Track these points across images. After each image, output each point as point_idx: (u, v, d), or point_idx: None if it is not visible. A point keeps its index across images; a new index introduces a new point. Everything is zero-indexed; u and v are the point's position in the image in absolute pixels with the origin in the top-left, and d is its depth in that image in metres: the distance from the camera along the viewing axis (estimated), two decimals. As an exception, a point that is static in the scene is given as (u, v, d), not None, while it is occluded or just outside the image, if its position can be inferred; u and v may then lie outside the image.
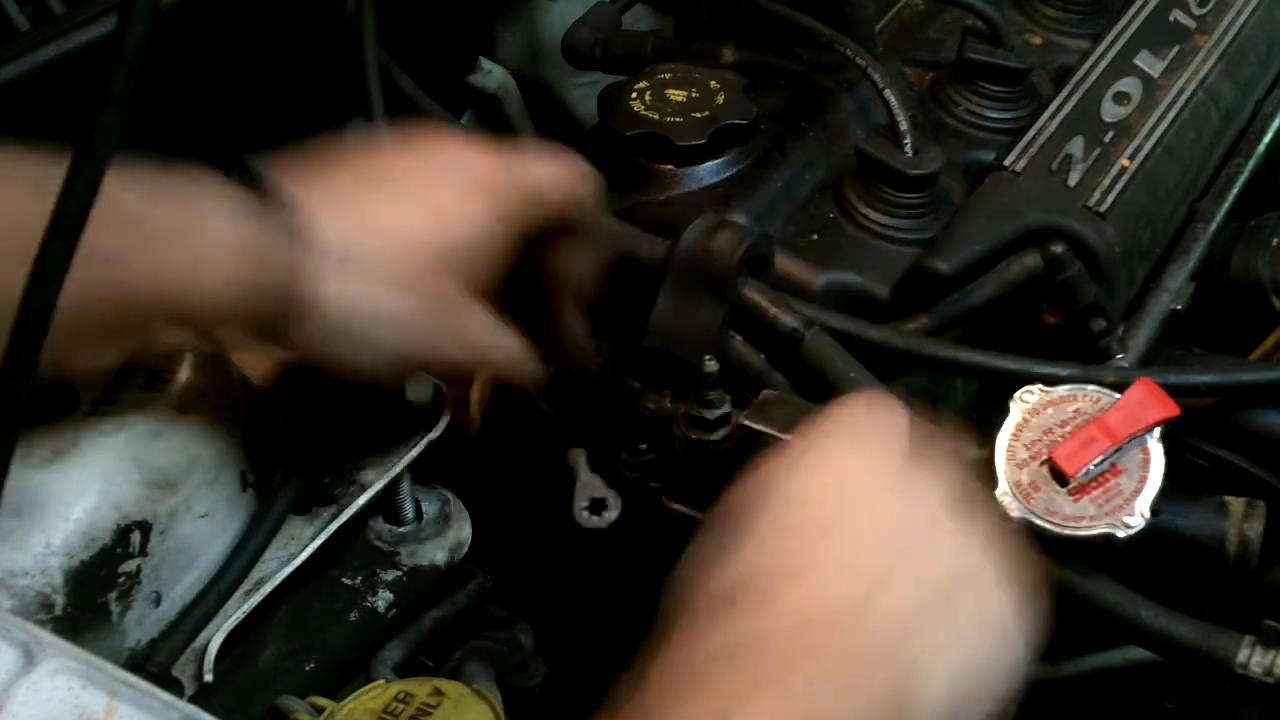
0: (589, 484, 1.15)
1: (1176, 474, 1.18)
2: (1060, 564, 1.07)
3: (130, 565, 0.94)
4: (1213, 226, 1.31)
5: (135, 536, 0.94)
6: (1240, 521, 1.13)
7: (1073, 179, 1.23)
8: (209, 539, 0.99)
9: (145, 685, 0.77)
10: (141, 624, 0.95)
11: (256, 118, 1.31)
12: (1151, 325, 1.23)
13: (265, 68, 1.35)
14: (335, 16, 1.37)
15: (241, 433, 1.03)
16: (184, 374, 1.01)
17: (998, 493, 1.07)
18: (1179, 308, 1.26)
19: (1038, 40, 1.46)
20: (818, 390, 1.13)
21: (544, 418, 1.21)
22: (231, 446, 1.02)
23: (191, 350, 1.02)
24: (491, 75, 1.59)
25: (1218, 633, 1.08)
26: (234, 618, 0.97)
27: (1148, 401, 1.09)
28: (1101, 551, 1.07)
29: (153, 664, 0.93)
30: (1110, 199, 1.22)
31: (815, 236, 1.25)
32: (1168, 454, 1.12)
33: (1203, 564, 1.14)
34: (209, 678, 0.95)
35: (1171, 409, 1.09)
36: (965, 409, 1.26)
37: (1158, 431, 1.09)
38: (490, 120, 1.61)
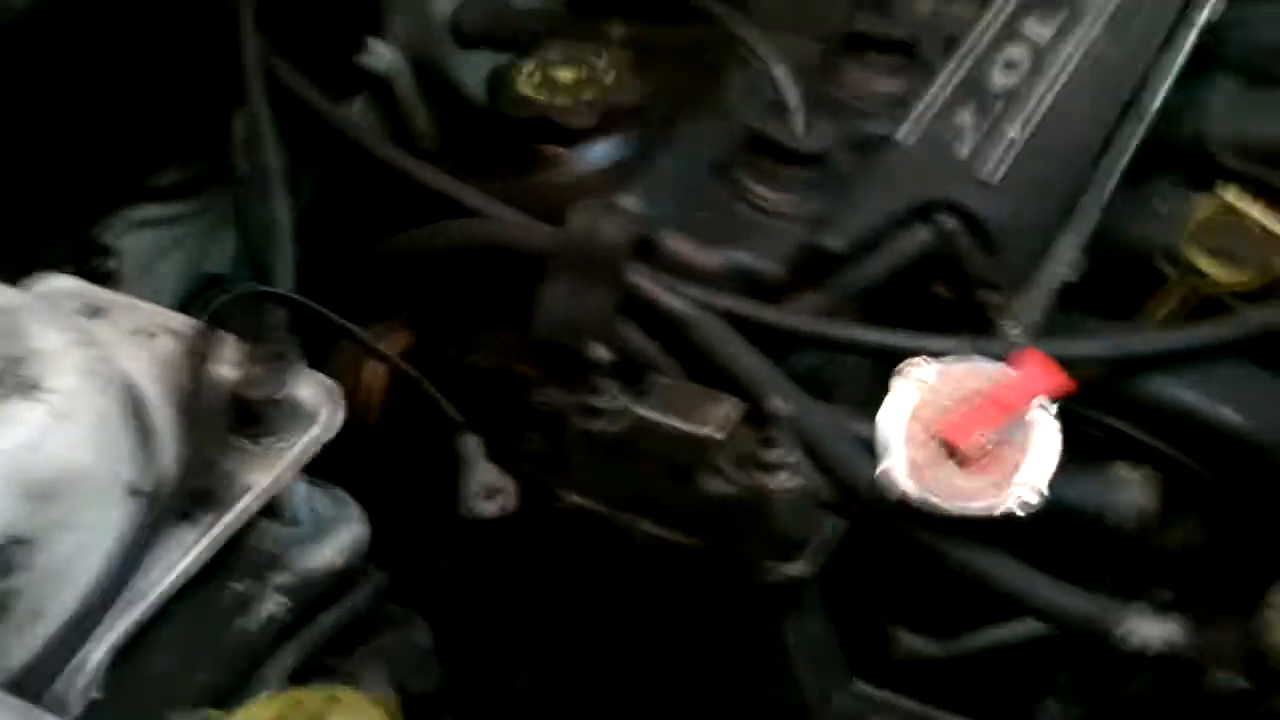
0: (483, 471, 1.13)
1: (1071, 445, 1.19)
2: (953, 539, 1.07)
3: (8, 583, 0.92)
4: (1103, 194, 1.31)
5: (13, 552, 0.92)
6: (1137, 492, 1.14)
7: (963, 150, 1.23)
8: (91, 552, 0.96)
9: (25, 706, 0.75)
10: (22, 642, 0.93)
11: (129, 117, 1.29)
12: (1044, 297, 1.23)
13: (138, 64, 1.32)
14: (212, 4, 1.35)
15: (126, 439, 1.01)
16: (63, 381, 0.98)
17: (890, 470, 1.07)
18: (1071, 278, 1.25)
19: (926, 8, 1.45)
20: (711, 375, 1.12)
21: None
22: (115, 455, 0.99)
23: (71, 355, 0.99)
24: (381, 56, 1.56)
25: (1110, 604, 1.08)
26: (119, 631, 0.94)
27: (1037, 374, 1.09)
28: (997, 526, 1.07)
29: (34, 684, 0.91)
30: (1002, 170, 1.21)
31: (708, 216, 1.23)
32: (1061, 426, 1.12)
33: (1101, 535, 1.15)
34: (96, 694, 0.93)
35: (1060, 380, 1.09)
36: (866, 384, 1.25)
37: (1048, 404, 1.09)
38: (383, 102, 1.58)
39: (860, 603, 1.24)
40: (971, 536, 1.07)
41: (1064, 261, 1.26)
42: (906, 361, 1.11)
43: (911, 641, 1.25)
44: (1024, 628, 1.24)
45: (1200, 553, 1.31)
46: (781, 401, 1.04)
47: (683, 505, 1.07)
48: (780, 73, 1.25)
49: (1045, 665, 1.27)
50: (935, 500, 1.06)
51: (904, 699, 1.23)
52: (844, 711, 1.20)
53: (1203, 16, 1.52)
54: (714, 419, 1.07)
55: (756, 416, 1.06)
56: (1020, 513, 1.04)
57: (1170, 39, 1.48)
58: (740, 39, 1.29)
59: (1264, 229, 1.21)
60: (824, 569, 1.11)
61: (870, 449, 1.09)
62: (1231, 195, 1.21)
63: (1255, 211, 1.21)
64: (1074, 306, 1.29)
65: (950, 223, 1.17)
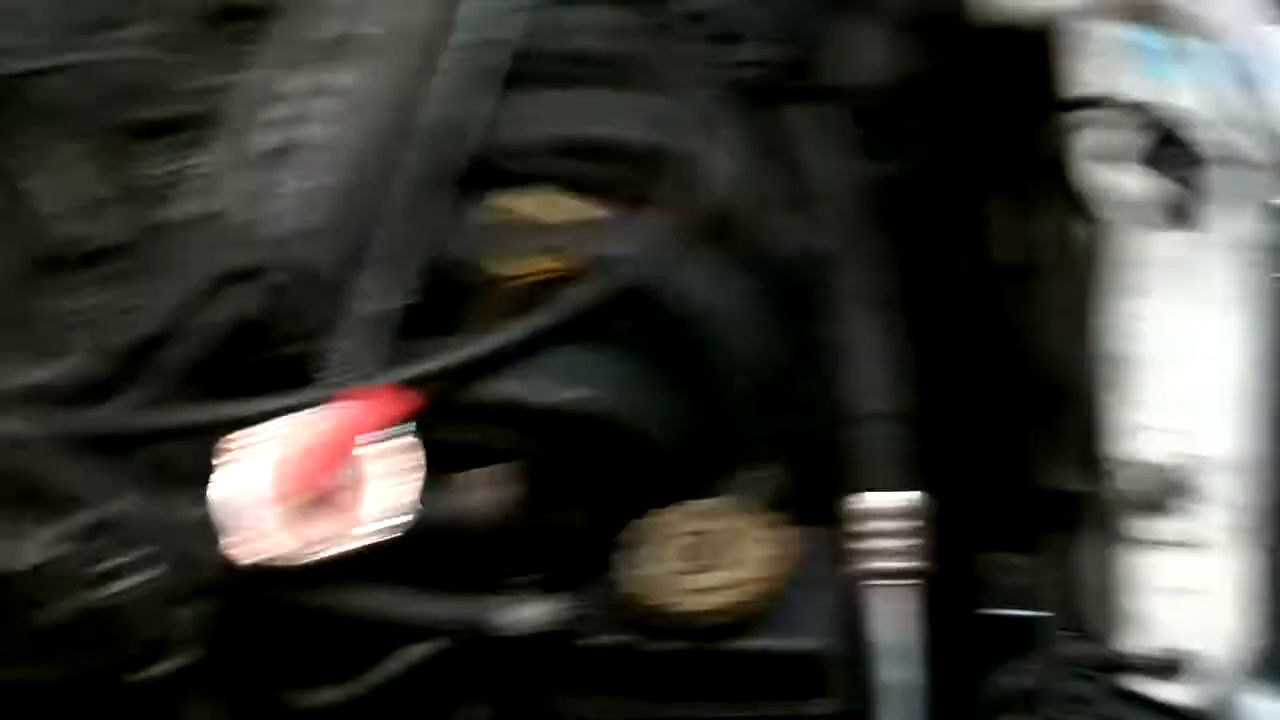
0: None
1: (425, 464, 1.24)
2: (318, 587, 1.09)
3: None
4: (403, 222, 1.36)
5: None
6: (489, 492, 1.19)
7: (255, 211, 1.25)
8: None
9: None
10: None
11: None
12: (366, 331, 1.27)
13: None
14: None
15: None
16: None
17: (241, 540, 1.09)
18: (389, 308, 1.30)
19: (199, 80, 1.46)
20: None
21: None
22: None
23: None
24: None
25: (481, 604, 1.14)
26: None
27: (369, 407, 1.13)
28: (362, 562, 1.11)
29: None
30: (287, 223, 1.24)
31: (12, 335, 1.21)
32: (414, 447, 1.16)
33: (466, 541, 1.19)
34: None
35: (392, 408, 1.13)
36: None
37: (387, 432, 1.13)
38: None
39: (257, 672, 1.25)
40: (339, 578, 1.10)
41: (380, 294, 1.30)
42: (242, 431, 1.13)
43: (315, 696, 1.26)
44: (422, 647, 1.27)
45: (584, 530, 1.40)
46: (111, 505, 1.04)
47: (32, 641, 1.05)
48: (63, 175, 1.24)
49: (461, 672, 1.31)
50: (294, 555, 1.09)
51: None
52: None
53: (469, 35, 1.60)
54: (27, 550, 1.05)
55: (89, 529, 1.05)
56: (374, 542, 1.08)
57: (446, 60, 1.55)
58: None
59: (539, 221, 1.28)
60: (208, 654, 1.11)
61: (220, 526, 1.11)
62: (508, 196, 1.28)
63: (533, 205, 1.28)
64: (406, 332, 1.34)
65: (253, 285, 1.19)
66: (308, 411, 1.14)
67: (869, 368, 1.41)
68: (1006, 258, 1.60)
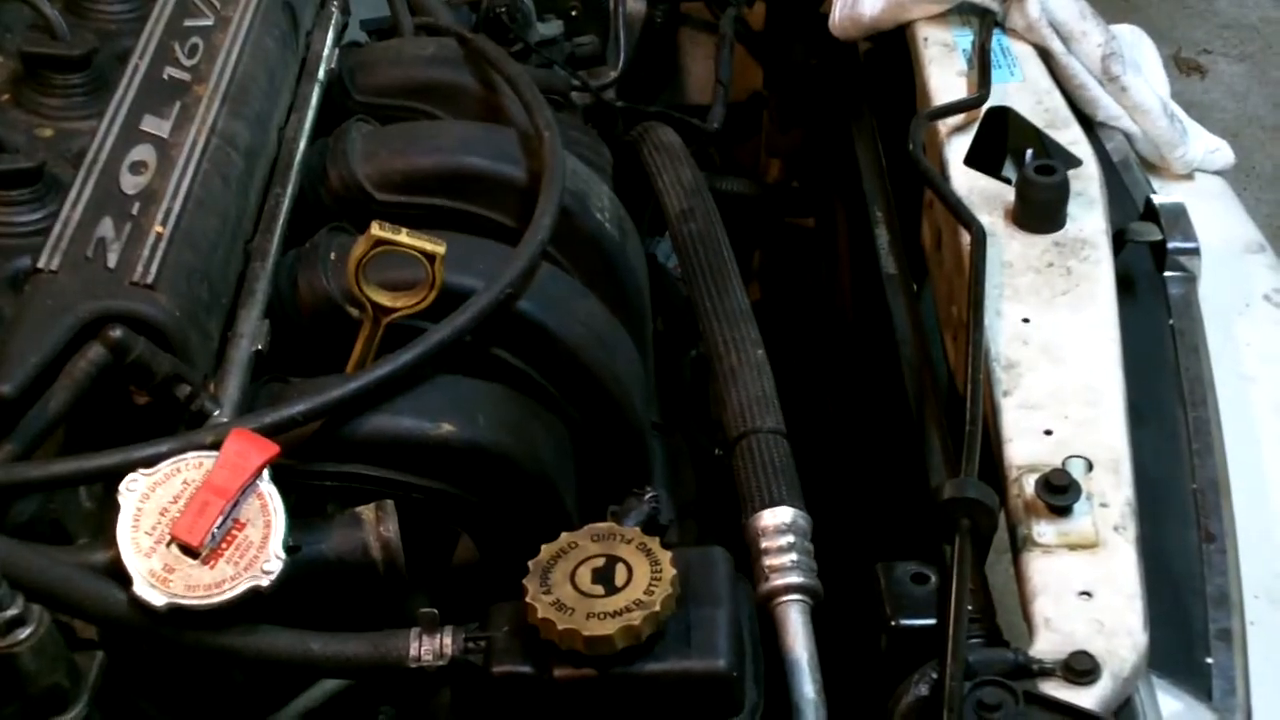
0: None
1: (309, 504, 1.21)
2: (218, 631, 1.06)
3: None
4: (269, 262, 1.34)
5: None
6: (375, 527, 1.17)
7: (112, 260, 1.22)
8: None
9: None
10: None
11: None
12: (239, 373, 1.24)
13: None
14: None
15: None
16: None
17: (135, 589, 1.06)
18: (260, 348, 1.27)
19: (49, 132, 1.41)
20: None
21: None
22: None
23: None
24: None
25: (386, 638, 1.11)
26: None
27: (247, 449, 1.10)
28: (257, 605, 1.08)
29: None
30: (155, 268, 1.21)
31: None
32: (291, 488, 1.14)
33: (358, 578, 1.17)
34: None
35: (270, 449, 1.11)
36: (98, 511, 1.22)
37: (267, 474, 1.10)
38: None
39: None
40: (238, 621, 1.07)
41: (249, 335, 1.27)
42: (126, 479, 1.10)
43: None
44: (326, 686, 1.25)
45: (480, 561, 1.38)
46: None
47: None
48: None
49: (362, 711, 1.28)
50: (186, 602, 1.06)
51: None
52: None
53: (321, 71, 1.58)
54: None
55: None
56: (266, 583, 1.05)
57: (295, 100, 1.53)
58: None
59: (414, 248, 1.26)
60: (105, 702, 1.07)
61: (113, 574, 1.07)
62: (377, 228, 1.26)
63: (402, 236, 1.27)
64: (280, 372, 1.31)
65: (118, 332, 1.15)
66: (187, 456, 1.11)
67: (751, 385, 1.41)
68: (887, 267, 1.61)
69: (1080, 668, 1.12)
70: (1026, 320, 1.39)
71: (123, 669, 1.11)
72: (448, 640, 1.12)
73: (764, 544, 1.29)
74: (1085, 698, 1.11)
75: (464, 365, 1.35)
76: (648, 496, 1.40)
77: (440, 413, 1.29)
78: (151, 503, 1.09)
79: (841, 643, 1.25)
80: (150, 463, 1.11)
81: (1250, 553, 1.34)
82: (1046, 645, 1.15)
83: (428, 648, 1.11)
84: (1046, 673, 1.13)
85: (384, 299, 1.30)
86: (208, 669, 1.14)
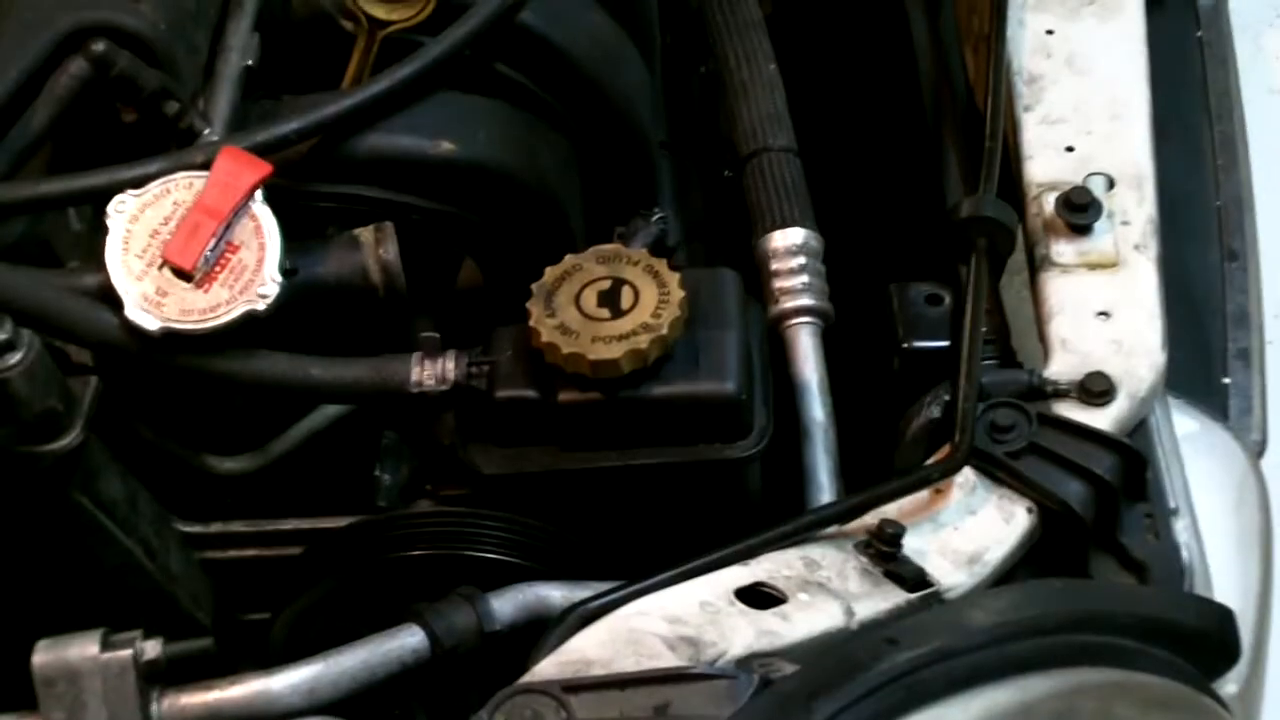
0: None
1: (304, 226, 1.17)
2: (214, 356, 1.04)
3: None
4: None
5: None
6: (375, 249, 1.14)
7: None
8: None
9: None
10: None
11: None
12: (230, 89, 1.19)
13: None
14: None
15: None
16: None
17: (127, 313, 1.03)
18: (251, 63, 1.22)
19: None
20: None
21: None
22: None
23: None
24: None
25: (387, 362, 1.09)
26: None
27: (238, 169, 1.07)
28: (255, 330, 1.05)
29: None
30: (138, -24, 1.15)
31: None
32: (286, 209, 1.10)
33: (357, 302, 1.14)
34: None
35: (262, 168, 1.07)
36: (88, 234, 1.18)
37: (260, 194, 1.07)
38: None
39: (160, 445, 1.20)
40: (235, 346, 1.05)
41: (238, 49, 1.22)
42: (114, 200, 1.07)
43: (222, 465, 1.22)
44: (327, 411, 1.23)
45: (484, 285, 1.35)
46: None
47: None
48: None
49: (364, 437, 1.27)
50: (181, 326, 1.03)
51: (235, 523, 1.22)
52: (180, 558, 1.16)
53: None
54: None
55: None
56: (262, 307, 1.03)
57: None
58: None
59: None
60: (97, 428, 1.06)
61: (105, 298, 1.05)
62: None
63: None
64: (272, 89, 1.26)
65: (101, 45, 1.10)
66: (176, 176, 1.07)
67: (763, 101, 1.36)
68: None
69: (1096, 389, 1.10)
70: (1050, 31, 1.33)
71: (119, 394, 1.09)
72: (450, 365, 1.10)
73: (774, 265, 1.25)
74: (1100, 419, 1.09)
75: (464, 81, 1.29)
76: (655, 217, 1.37)
77: (440, 130, 1.24)
78: (141, 224, 1.06)
79: (853, 366, 1.23)
80: (139, 183, 1.07)
81: (1272, 271, 1.31)
82: (1062, 366, 1.12)
83: (430, 372, 1.09)
84: (1061, 394, 1.10)
85: (379, 11, 1.25)
86: (206, 394, 1.12)
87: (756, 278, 1.26)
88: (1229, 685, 1.02)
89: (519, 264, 1.18)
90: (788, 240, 1.26)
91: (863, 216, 1.47)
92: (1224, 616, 1.01)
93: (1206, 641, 1.00)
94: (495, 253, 1.29)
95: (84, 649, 0.93)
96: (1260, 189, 1.35)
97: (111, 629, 0.95)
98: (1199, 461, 1.12)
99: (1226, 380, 1.23)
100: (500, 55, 1.31)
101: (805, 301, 1.23)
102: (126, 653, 0.93)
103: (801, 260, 1.25)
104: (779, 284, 1.24)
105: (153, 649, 0.93)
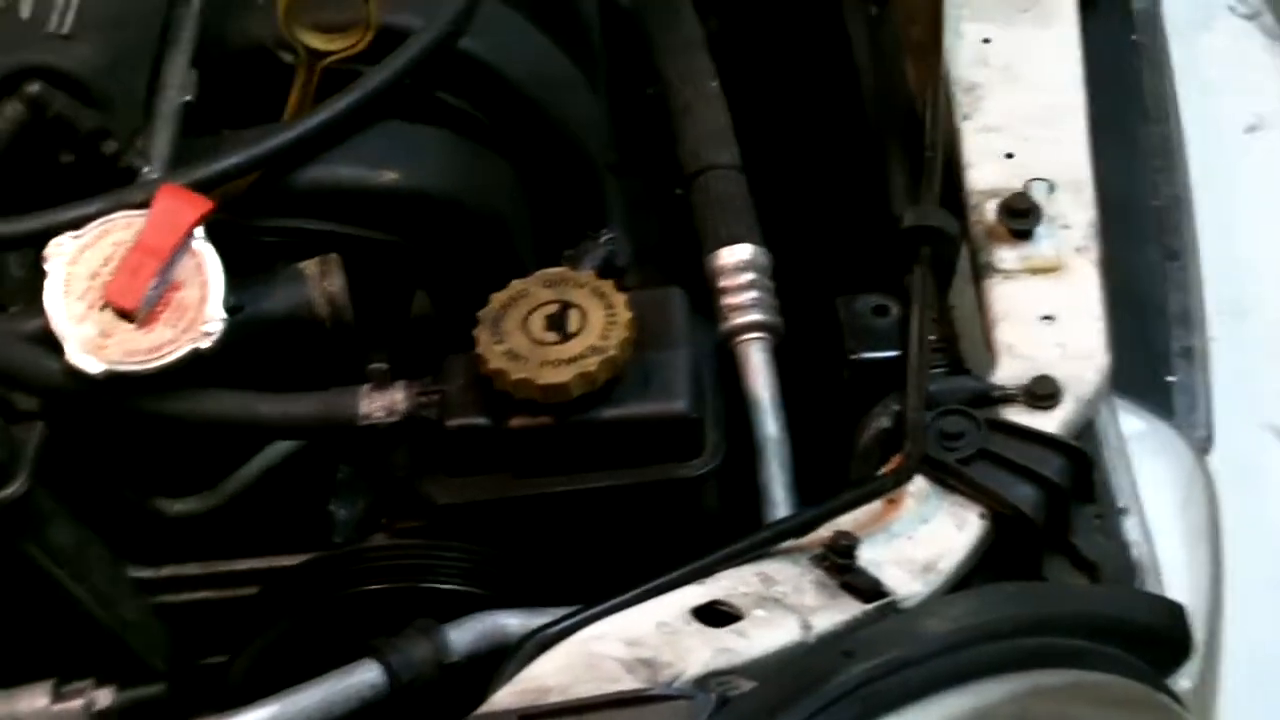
0: None
1: (250, 261, 1.17)
2: (160, 397, 1.04)
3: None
4: (194, 5, 1.27)
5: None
6: (320, 282, 1.14)
7: (25, 10, 1.15)
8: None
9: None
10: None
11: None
12: (168, 126, 1.19)
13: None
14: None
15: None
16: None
17: (68, 356, 1.03)
18: (189, 99, 1.22)
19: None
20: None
21: None
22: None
23: None
24: None
25: (335, 396, 1.09)
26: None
27: (178, 206, 1.07)
28: (201, 369, 1.05)
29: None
30: (71, 18, 1.15)
31: None
32: (230, 245, 1.10)
33: (304, 335, 1.14)
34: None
35: (202, 205, 1.07)
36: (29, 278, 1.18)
37: (201, 231, 1.07)
38: None
39: (110, 489, 1.19)
40: (181, 385, 1.05)
41: (176, 86, 1.22)
42: (52, 243, 1.06)
43: (173, 507, 1.22)
44: (279, 448, 1.23)
45: (432, 313, 1.34)
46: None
47: None
48: None
49: (318, 472, 1.27)
50: (125, 367, 1.03)
51: (188, 565, 1.21)
52: (133, 605, 1.16)
53: None
54: None
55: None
56: (207, 345, 1.03)
57: None
58: None
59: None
60: (44, 475, 1.05)
61: (47, 343, 1.04)
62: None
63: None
64: (212, 124, 1.26)
65: (36, 87, 1.10)
66: (116, 216, 1.07)
67: (706, 120, 1.36)
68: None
69: (1042, 392, 1.11)
70: (988, 40, 1.34)
71: (66, 439, 1.08)
72: (399, 396, 1.10)
73: (723, 282, 1.26)
74: (1048, 422, 1.10)
75: (407, 110, 1.29)
76: (603, 239, 1.37)
77: (383, 160, 1.24)
78: (81, 266, 1.05)
79: (804, 379, 1.23)
80: (78, 225, 1.07)
81: (1213, 268, 1.32)
82: (1009, 372, 1.13)
83: (379, 404, 1.09)
84: (1009, 399, 1.11)
85: (317, 42, 1.24)
86: (154, 436, 1.12)
87: (709, 293, 1.26)
88: (1183, 680, 1.02)
89: (468, 292, 1.18)
90: (735, 257, 1.27)
91: (810, 230, 1.47)
92: (1175, 612, 1.02)
93: (1159, 638, 1.01)
94: (444, 281, 1.29)
95: (34, 700, 0.93)
96: (1198, 188, 1.36)
97: (63, 678, 0.94)
98: (1146, 460, 1.13)
99: (1171, 379, 1.24)
100: (442, 82, 1.31)
101: (755, 317, 1.23)
102: (78, 703, 0.92)
103: (750, 276, 1.25)
104: (728, 300, 1.25)
105: (104, 698, 0.93)
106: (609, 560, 1.07)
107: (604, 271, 1.26)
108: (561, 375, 1.07)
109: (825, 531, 1.05)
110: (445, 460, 1.11)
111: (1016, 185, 1.23)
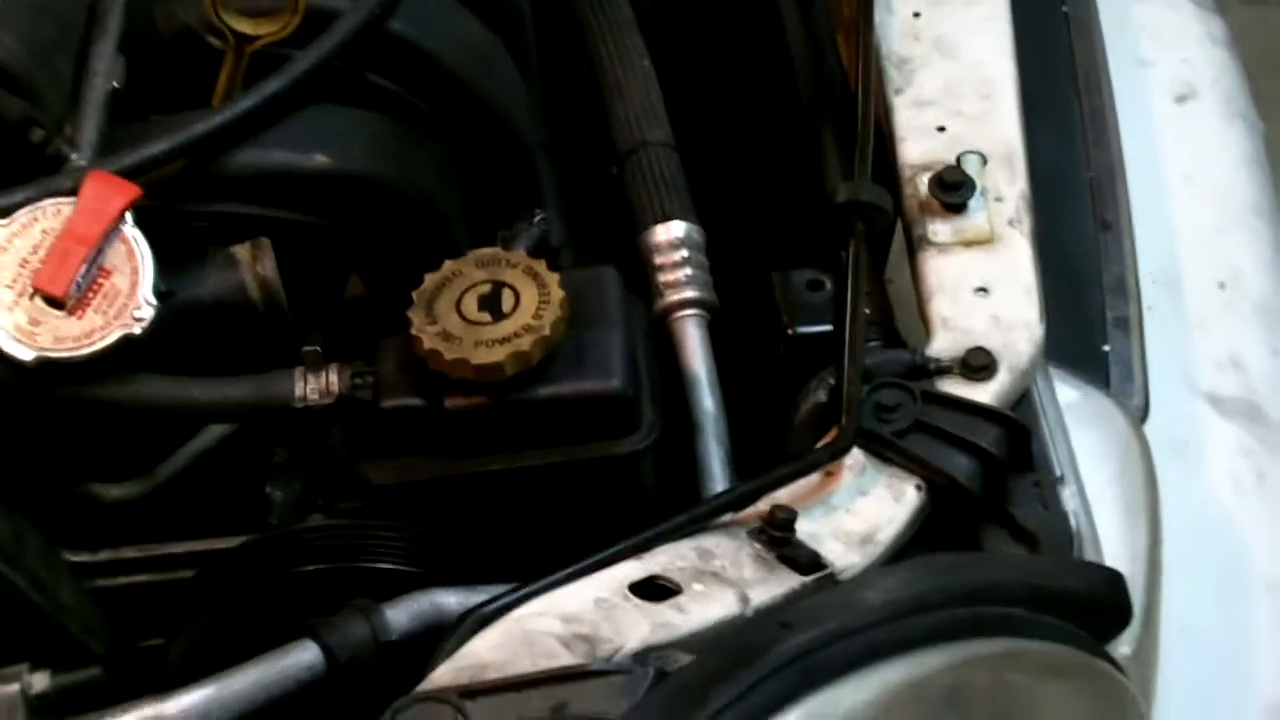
0: None
1: (182, 247, 1.16)
2: (92, 383, 1.03)
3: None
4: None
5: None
6: (252, 266, 1.13)
7: (-51, -1, 1.14)
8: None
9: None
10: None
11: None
12: (96, 113, 1.18)
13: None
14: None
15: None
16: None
17: (1, 344, 1.02)
18: (117, 85, 1.20)
19: None
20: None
21: None
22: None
23: None
24: None
25: (270, 379, 1.09)
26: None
27: (106, 193, 1.06)
28: (133, 354, 1.04)
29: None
30: (-4, 5, 1.14)
31: None
32: (161, 231, 1.09)
33: (238, 320, 1.13)
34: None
35: (130, 191, 1.06)
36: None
37: (130, 217, 1.06)
38: None
39: (44, 475, 1.19)
40: (113, 372, 1.04)
41: (103, 72, 1.20)
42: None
43: (109, 492, 1.21)
44: (214, 431, 1.22)
45: (365, 295, 1.34)
46: None
47: None
48: None
49: (253, 455, 1.26)
50: (56, 354, 1.02)
51: (125, 549, 1.20)
52: (69, 589, 1.15)
53: None
54: None
55: None
56: (138, 330, 1.02)
57: None
58: None
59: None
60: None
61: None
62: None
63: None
64: (140, 110, 1.25)
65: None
66: (44, 204, 1.06)
67: (637, 98, 1.36)
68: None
69: (977, 364, 1.11)
70: (917, 15, 1.34)
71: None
72: (334, 378, 1.10)
73: (657, 260, 1.26)
74: (983, 393, 1.11)
75: (336, 92, 1.29)
76: (536, 219, 1.37)
77: (312, 143, 1.23)
78: (9, 255, 1.05)
79: (740, 355, 1.24)
80: (5, 213, 1.06)
81: (1146, 238, 1.33)
82: (944, 344, 1.13)
83: (314, 386, 1.09)
84: (944, 371, 1.12)
85: (245, 26, 1.23)
86: (88, 422, 1.11)
87: (643, 271, 1.26)
88: (1123, 647, 1.03)
89: (401, 274, 1.17)
90: (670, 234, 1.27)
91: (744, 207, 1.48)
92: (1113, 580, 1.02)
93: (1098, 605, 1.01)
94: (376, 263, 1.29)
95: (-31, 686, 0.92)
96: (1130, 159, 1.37)
97: (-1, 663, 0.94)
98: (1083, 430, 1.13)
99: (1106, 348, 1.25)
100: (371, 64, 1.31)
101: (690, 294, 1.24)
102: (14, 687, 0.92)
103: (684, 253, 1.25)
104: (663, 278, 1.25)
105: (40, 681, 0.92)
106: (547, 538, 1.07)
107: (537, 251, 1.26)
108: (495, 355, 1.07)
109: (763, 505, 1.05)
110: (381, 441, 1.10)
111: (949, 159, 1.23)
